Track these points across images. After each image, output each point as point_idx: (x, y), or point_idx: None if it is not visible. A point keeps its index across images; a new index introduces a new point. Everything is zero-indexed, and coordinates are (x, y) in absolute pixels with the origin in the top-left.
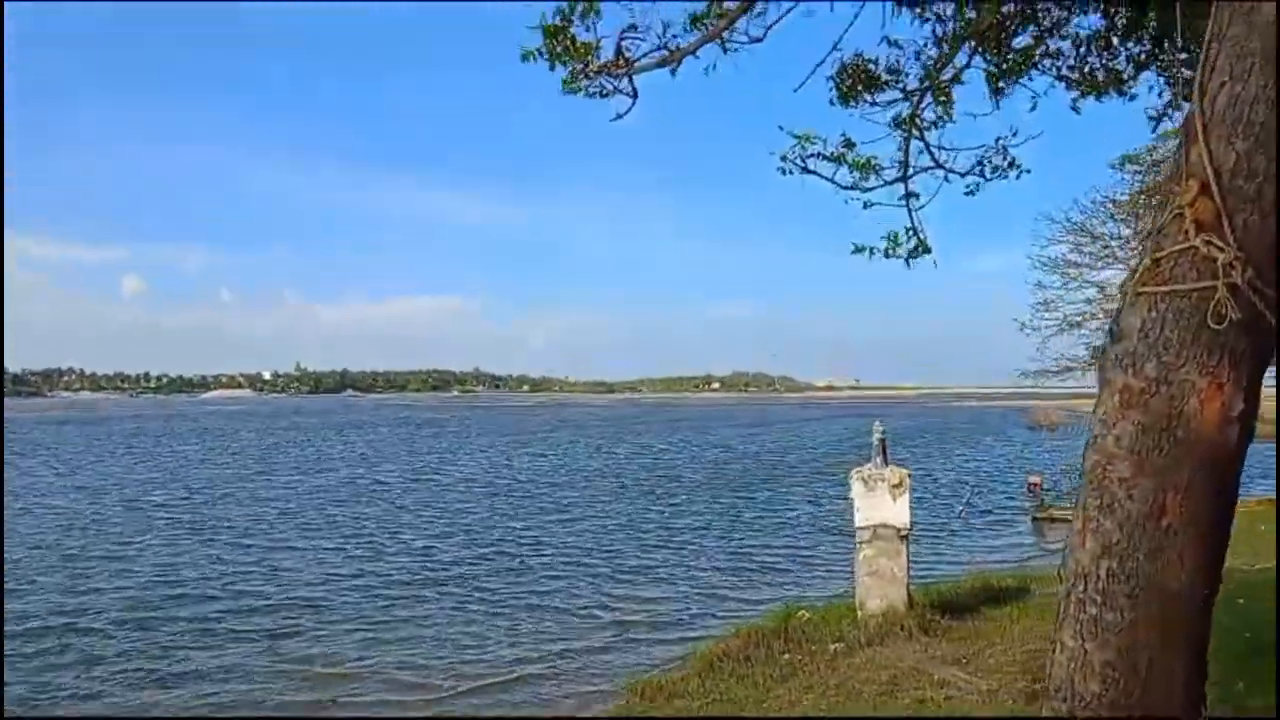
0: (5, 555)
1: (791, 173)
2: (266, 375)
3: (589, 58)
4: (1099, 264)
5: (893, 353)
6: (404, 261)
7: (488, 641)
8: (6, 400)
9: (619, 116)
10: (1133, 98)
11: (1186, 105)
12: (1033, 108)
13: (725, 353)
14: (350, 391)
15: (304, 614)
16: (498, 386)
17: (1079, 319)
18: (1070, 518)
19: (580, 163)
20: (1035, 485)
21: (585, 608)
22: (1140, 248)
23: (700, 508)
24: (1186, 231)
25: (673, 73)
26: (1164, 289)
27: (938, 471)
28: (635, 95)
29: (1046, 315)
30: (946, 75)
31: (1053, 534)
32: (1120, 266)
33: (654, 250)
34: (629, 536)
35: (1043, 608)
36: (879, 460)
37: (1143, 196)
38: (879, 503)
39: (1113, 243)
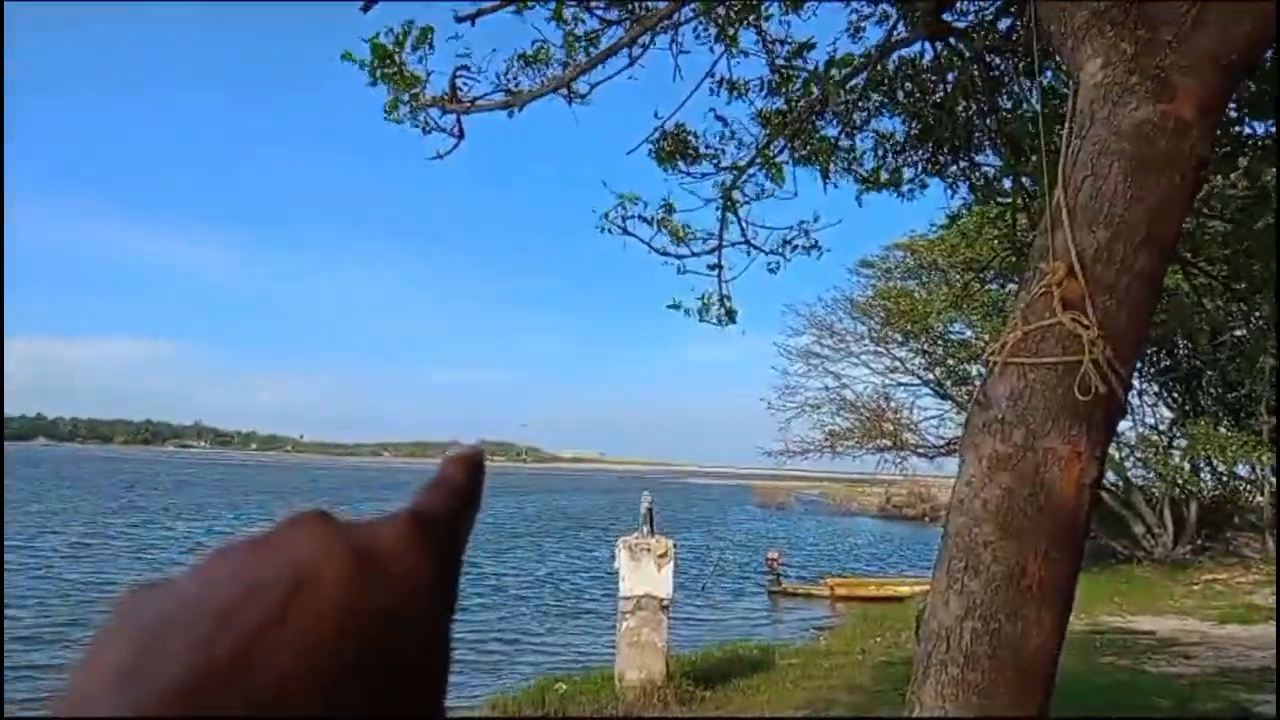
0: None
1: (611, 231)
2: None
3: (415, 89)
4: (837, 356)
5: (636, 428)
6: (116, 304)
7: None
8: None
9: (439, 156)
10: (909, 198)
11: (994, 205)
12: (825, 189)
13: (472, 421)
14: (43, 440)
15: None
16: (222, 443)
17: (817, 404)
18: (801, 592)
19: (345, 217)
20: (773, 560)
21: None
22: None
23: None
24: (1054, 308)
25: (510, 115)
26: (1032, 360)
27: (682, 544)
28: (461, 136)
29: (789, 399)
30: (773, 152)
31: (787, 607)
32: (854, 360)
33: (408, 312)
34: None
35: (784, 678)
36: (645, 529)
37: (876, 299)
38: (644, 573)
39: (848, 338)
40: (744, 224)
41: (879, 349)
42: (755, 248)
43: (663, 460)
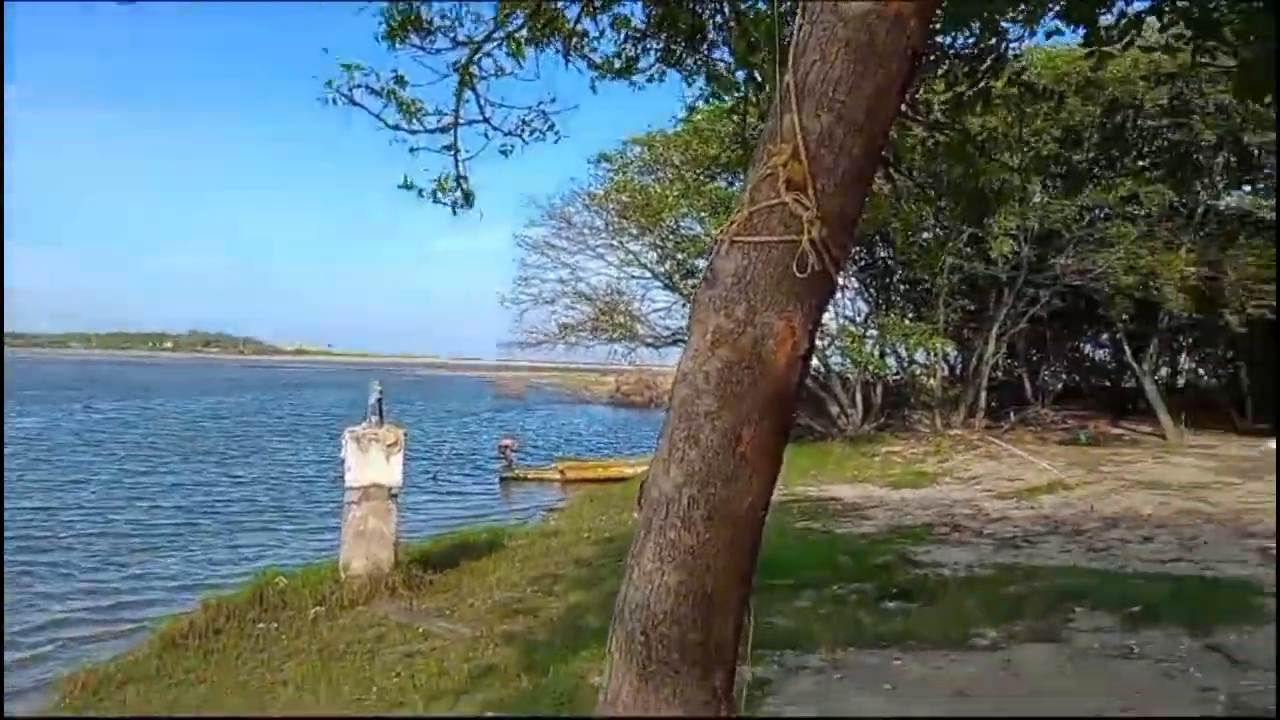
0: None
1: (336, 103)
2: None
3: None
4: (574, 248)
5: (368, 319)
6: None
7: None
8: None
9: None
10: (641, 88)
11: (728, 98)
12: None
13: (181, 309)
14: None
15: None
16: None
17: (553, 296)
18: (532, 477)
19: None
20: (506, 448)
21: None
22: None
23: (149, 475)
24: (779, 189)
25: None
26: (756, 239)
27: (415, 434)
28: None
29: (525, 291)
30: (513, 27)
31: (519, 492)
32: (590, 253)
33: (84, 187)
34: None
35: (513, 558)
36: (374, 419)
37: (612, 193)
38: (372, 462)
39: (585, 231)
40: (483, 101)
41: (614, 242)
42: (494, 128)
43: (398, 353)
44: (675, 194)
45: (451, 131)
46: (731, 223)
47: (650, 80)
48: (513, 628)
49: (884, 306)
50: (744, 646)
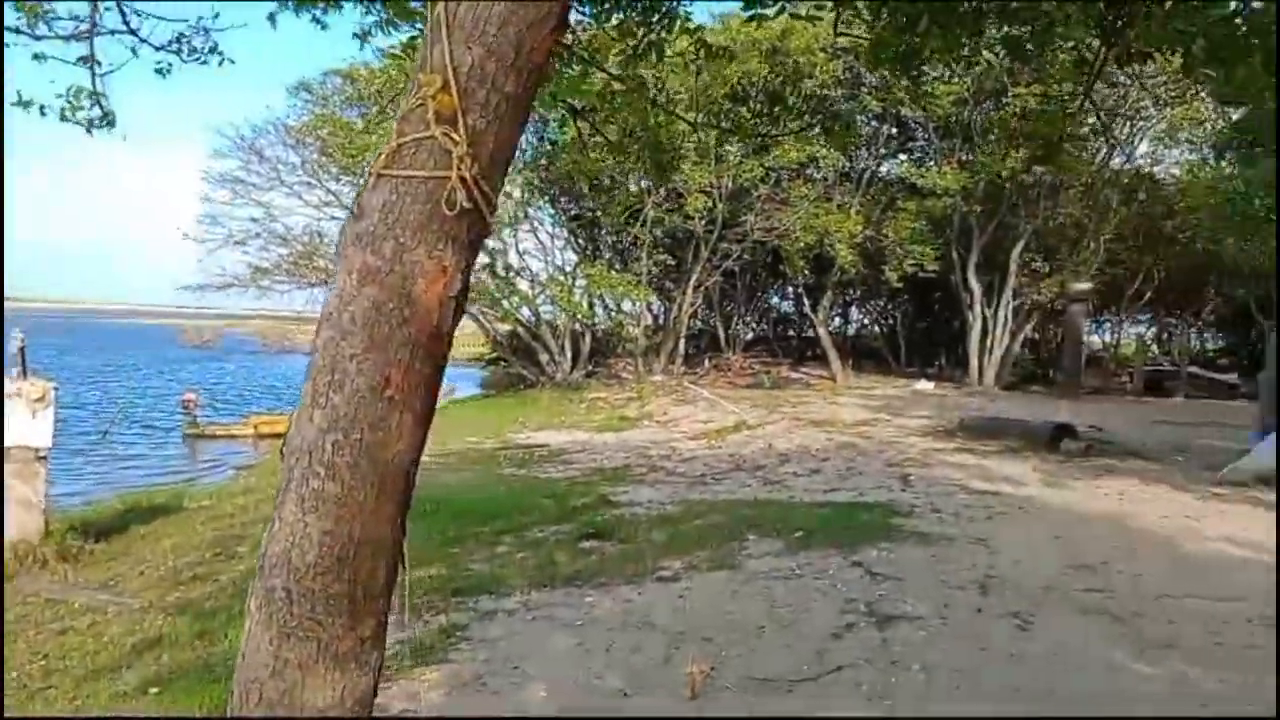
0: None
1: None
2: None
3: None
4: (267, 185)
5: (24, 256)
6: None
7: None
8: None
9: None
10: (323, 25)
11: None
12: None
13: None
14: None
15: None
16: None
17: (244, 237)
18: (222, 434)
19: None
20: (189, 402)
21: None
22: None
23: None
24: (428, 121)
25: None
26: (404, 174)
27: (82, 388)
28: None
29: (213, 231)
30: None
31: (207, 451)
32: (287, 190)
33: None
34: None
35: (194, 522)
36: (16, 372)
37: (312, 127)
38: (14, 421)
39: (280, 167)
40: (127, 10)
41: (312, 181)
42: (143, 41)
43: (64, 297)
44: (373, 131)
45: (88, 41)
46: (380, 154)
47: (324, 9)
48: (189, 595)
49: (592, 257)
50: (399, 594)
